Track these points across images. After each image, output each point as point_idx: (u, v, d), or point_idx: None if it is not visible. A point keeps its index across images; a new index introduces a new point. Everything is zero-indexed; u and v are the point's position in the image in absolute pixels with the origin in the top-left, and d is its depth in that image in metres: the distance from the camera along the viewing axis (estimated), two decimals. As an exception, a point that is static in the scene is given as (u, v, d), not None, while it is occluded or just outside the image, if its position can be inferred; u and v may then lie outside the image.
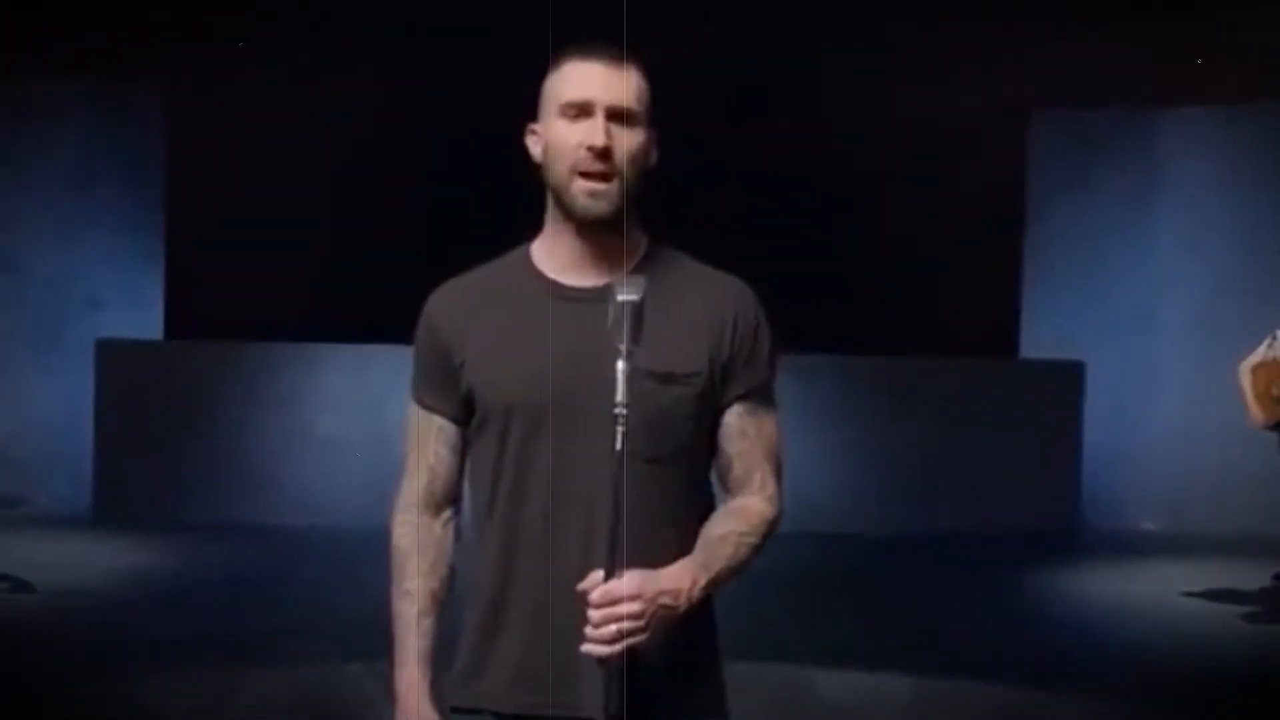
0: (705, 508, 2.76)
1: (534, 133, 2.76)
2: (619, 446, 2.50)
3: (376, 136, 11.86)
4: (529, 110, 2.77)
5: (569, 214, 2.70)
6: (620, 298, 2.53)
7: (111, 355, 11.39)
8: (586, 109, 2.67)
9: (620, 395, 2.50)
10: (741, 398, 2.75)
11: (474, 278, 2.84)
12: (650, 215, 2.76)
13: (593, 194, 2.66)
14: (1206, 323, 11.59)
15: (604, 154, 2.64)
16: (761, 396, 2.79)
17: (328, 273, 11.73)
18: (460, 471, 2.82)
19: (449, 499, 2.83)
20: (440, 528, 2.83)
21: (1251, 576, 9.31)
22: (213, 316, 11.47)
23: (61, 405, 11.61)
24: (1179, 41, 11.07)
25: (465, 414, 2.78)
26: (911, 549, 10.63)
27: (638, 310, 2.52)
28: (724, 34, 11.05)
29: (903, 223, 11.87)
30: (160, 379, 11.37)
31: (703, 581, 2.62)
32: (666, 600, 2.56)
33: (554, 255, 2.75)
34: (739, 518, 2.72)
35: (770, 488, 2.77)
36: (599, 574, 2.52)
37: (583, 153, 2.65)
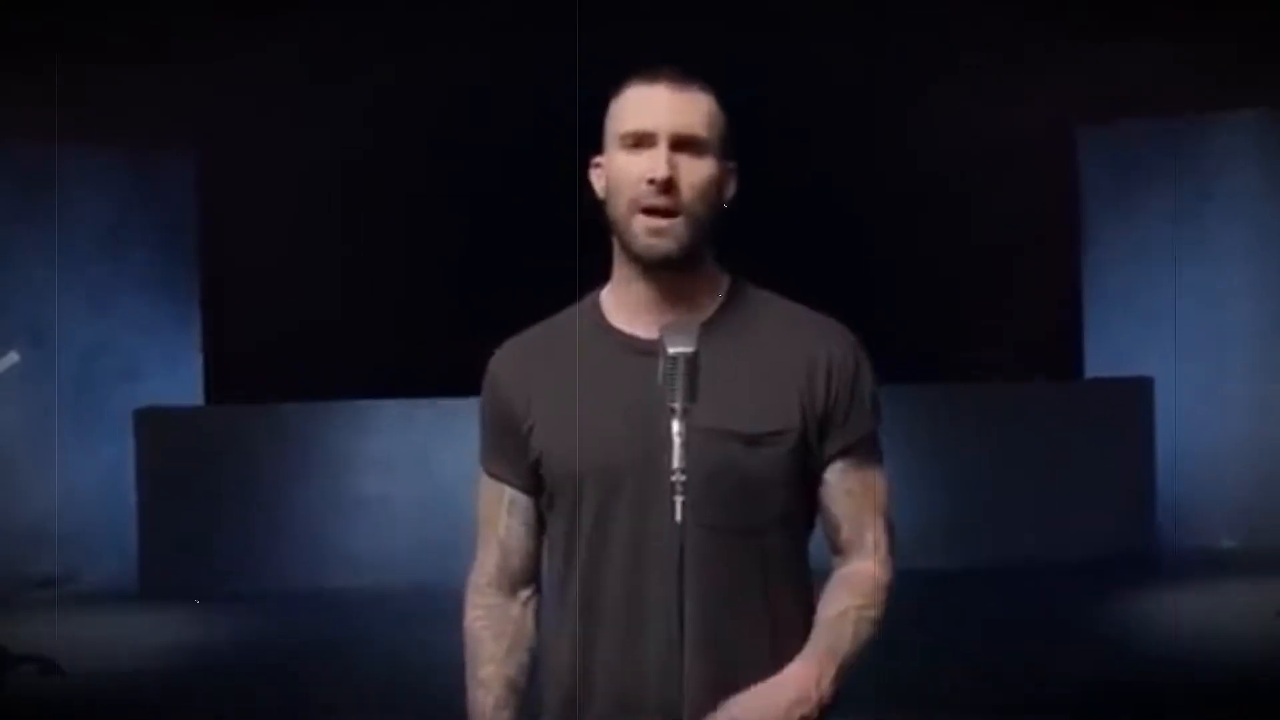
0: (804, 577, 2.56)
1: (597, 166, 2.56)
2: (678, 518, 2.28)
3: (414, 189, 11.81)
4: (587, 147, 2.58)
5: (632, 255, 2.49)
6: (671, 350, 2.31)
7: (151, 424, 11.29)
8: (648, 138, 2.46)
9: (677, 460, 2.28)
10: (844, 453, 2.52)
11: (540, 332, 2.63)
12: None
13: (654, 232, 2.44)
14: (1270, 330, 11.47)
15: (666, 187, 2.42)
16: (866, 449, 2.55)
17: (367, 329, 11.66)
18: (537, 547, 2.62)
19: (526, 578, 2.63)
20: (518, 609, 2.62)
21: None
22: (252, 379, 11.45)
23: (102, 477, 11.52)
24: (1224, 46, 10.88)
25: (537, 483, 2.57)
26: (985, 581, 10.38)
27: (693, 363, 2.30)
28: (775, 58, 11.00)
29: (957, 248, 11.78)
30: (202, 445, 11.29)
31: (831, 672, 2.41)
32: (802, 712, 2.37)
33: (624, 303, 2.54)
34: (853, 590, 2.51)
35: (883, 549, 2.55)
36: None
37: (643, 186, 2.44)
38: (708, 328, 2.45)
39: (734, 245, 2.60)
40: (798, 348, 2.52)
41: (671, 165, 2.43)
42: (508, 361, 2.62)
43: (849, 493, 2.54)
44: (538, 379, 2.56)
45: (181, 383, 11.91)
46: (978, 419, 11.46)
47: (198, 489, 11.06)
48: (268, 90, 11.18)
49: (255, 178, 11.49)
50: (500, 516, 2.61)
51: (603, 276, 2.60)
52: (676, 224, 2.44)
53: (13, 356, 9.26)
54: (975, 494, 11.21)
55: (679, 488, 2.27)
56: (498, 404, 2.60)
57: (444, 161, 11.72)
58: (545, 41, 10.83)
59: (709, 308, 2.52)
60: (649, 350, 2.41)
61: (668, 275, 2.49)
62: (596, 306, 2.58)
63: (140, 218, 11.89)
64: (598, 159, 2.56)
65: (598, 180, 2.55)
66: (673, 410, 2.29)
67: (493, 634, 2.61)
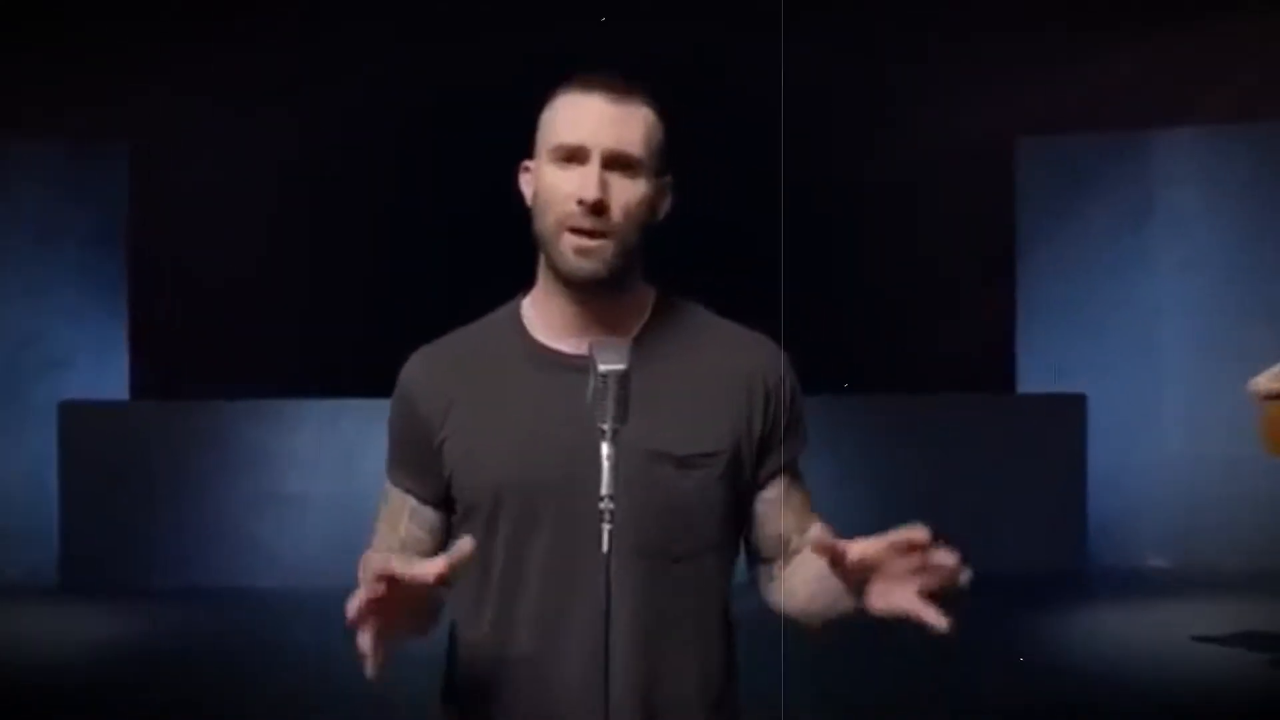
0: (728, 604, 2.45)
1: (527, 170, 2.41)
2: (605, 547, 2.09)
3: (337, 189, 11.73)
4: (515, 152, 2.45)
5: (557, 274, 2.36)
6: (602, 368, 2.12)
7: (75, 417, 11.13)
8: (580, 154, 2.31)
9: (606, 485, 2.09)
10: (783, 470, 2.46)
11: (456, 341, 2.48)
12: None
13: (582, 251, 2.31)
14: (1205, 348, 11.41)
15: (596, 208, 2.28)
16: (797, 465, 2.51)
17: (294, 328, 11.60)
18: (435, 551, 2.41)
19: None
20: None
21: (1274, 617, 9.01)
22: (178, 375, 11.36)
23: (25, 469, 11.34)
24: (1166, 64, 10.93)
25: (445, 497, 2.43)
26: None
27: (624, 382, 2.11)
28: (708, 69, 10.98)
29: (893, 259, 11.74)
30: (126, 440, 11.13)
31: None
32: None
33: (546, 316, 2.41)
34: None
35: None
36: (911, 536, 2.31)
37: (573, 205, 2.29)
38: (636, 345, 2.31)
39: (655, 254, 2.47)
40: (733, 369, 2.42)
41: (603, 186, 2.30)
42: (421, 371, 2.47)
43: (789, 508, 2.47)
44: (454, 391, 2.41)
45: (108, 375, 11.75)
46: (910, 431, 11.39)
47: (121, 483, 10.94)
48: (200, 84, 11.07)
49: (185, 176, 11.40)
50: (401, 522, 2.47)
51: (529, 282, 2.48)
52: (605, 245, 2.32)
53: None
54: (904, 506, 10.97)
55: (608, 516, 2.11)
56: (410, 415, 2.45)
57: (367, 160, 11.64)
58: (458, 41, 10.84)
59: (635, 324, 2.41)
60: (575, 366, 2.28)
61: (593, 292, 2.37)
62: (517, 317, 2.45)
63: (73, 209, 11.73)
64: (527, 163, 2.42)
65: (526, 186, 2.42)
66: (602, 431, 2.12)
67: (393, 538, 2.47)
